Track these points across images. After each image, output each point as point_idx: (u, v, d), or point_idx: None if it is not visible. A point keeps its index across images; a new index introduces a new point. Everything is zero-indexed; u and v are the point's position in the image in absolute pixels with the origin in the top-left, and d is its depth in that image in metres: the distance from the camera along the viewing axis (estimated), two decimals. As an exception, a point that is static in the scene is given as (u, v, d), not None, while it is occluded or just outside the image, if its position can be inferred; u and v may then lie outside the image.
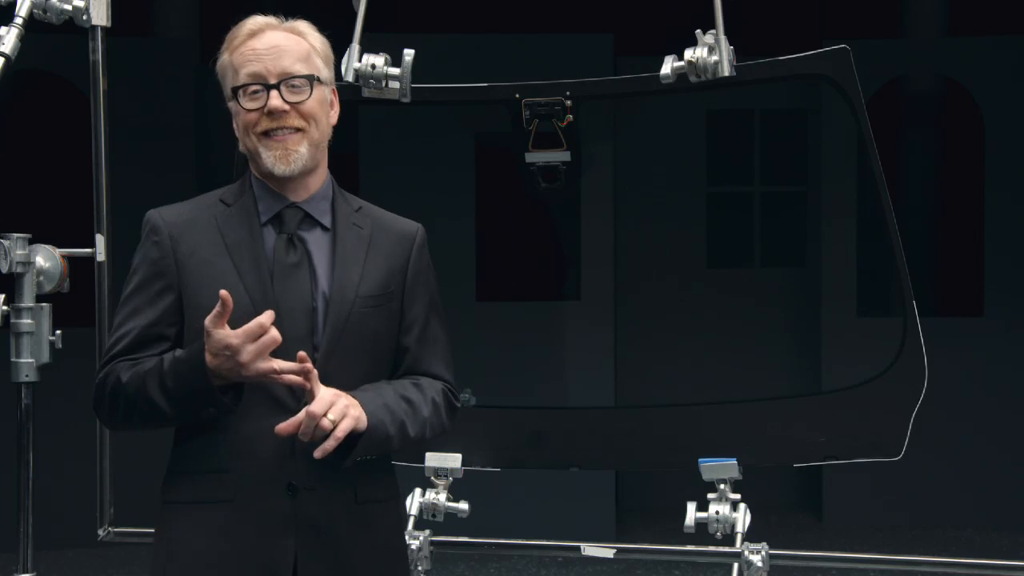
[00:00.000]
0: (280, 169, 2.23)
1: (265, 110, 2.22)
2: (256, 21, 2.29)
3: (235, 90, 2.25)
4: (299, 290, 2.23)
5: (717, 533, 3.23)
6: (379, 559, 2.29)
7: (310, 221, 2.29)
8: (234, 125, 2.30)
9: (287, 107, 2.23)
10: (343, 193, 2.37)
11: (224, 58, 2.29)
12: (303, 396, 2.16)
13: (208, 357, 2.08)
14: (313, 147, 2.27)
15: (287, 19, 2.32)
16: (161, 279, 2.25)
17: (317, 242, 2.28)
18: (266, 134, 2.23)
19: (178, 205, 2.34)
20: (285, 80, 2.23)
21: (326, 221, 2.30)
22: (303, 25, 2.32)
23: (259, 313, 2.16)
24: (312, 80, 2.26)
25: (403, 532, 2.43)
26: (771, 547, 3.21)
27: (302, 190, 2.29)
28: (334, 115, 2.34)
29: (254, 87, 2.23)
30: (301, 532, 2.20)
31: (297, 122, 2.24)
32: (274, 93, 2.23)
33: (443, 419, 2.35)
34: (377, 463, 2.30)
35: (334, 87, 2.35)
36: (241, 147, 2.30)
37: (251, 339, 2.06)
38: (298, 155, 2.24)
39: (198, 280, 2.22)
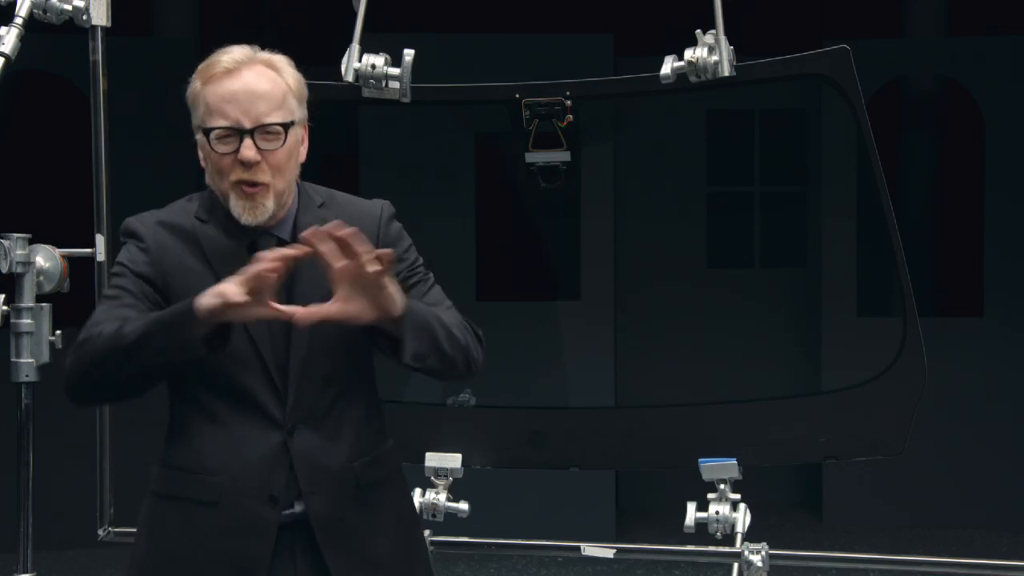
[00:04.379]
0: (247, 220, 2.21)
1: (238, 158, 2.19)
2: (233, 57, 2.23)
3: (205, 132, 2.21)
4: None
5: (717, 533, 3.23)
6: (398, 535, 2.32)
7: (284, 245, 2.23)
8: (200, 155, 2.27)
9: (258, 158, 2.19)
10: (306, 191, 2.33)
11: (196, 87, 2.25)
12: (289, 406, 2.20)
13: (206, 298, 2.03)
14: (278, 197, 2.23)
15: (264, 49, 2.27)
16: (147, 282, 2.23)
17: None
18: (237, 182, 2.20)
19: (153, 213, 2.32)
20: (259, 128, 2.19)
21: (292, 238, 2.26)
22: (279, 60, 2.26)
23: (245, 326, 2.17)
24: (287, 128, 2.22)
25: (411, 499, 2.46)
26: (771, 547, 3.21)
27: (271, 220, 2.26)
28: (303, 152, 2.30)
29: (225, 131, 2.19)
30: (319, 532, 2.21)
31: (264, 177, 2.20)
32: (247, 142, 2.18)
33: (474, 336, 2.33)
34: (373, 440, 2.31)
35: (306, 124, 2.31)
36: (209, 181, 2.26)
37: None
38: (264, 209, 2.21)
39: (185, 291, 2.20)
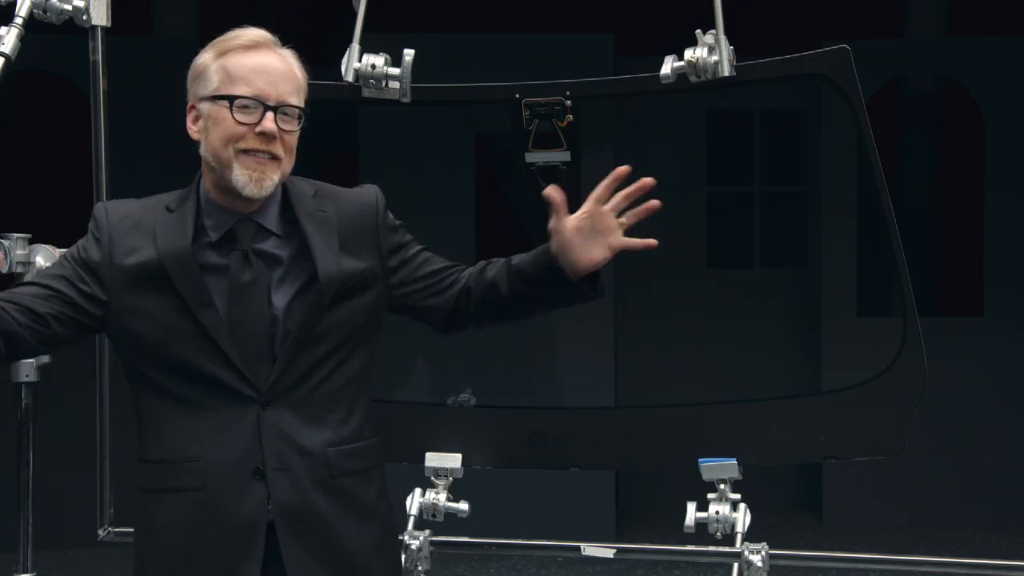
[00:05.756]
0: (250, 191, 2.20)
1: (257, 129, 2.19)
2: (258, 33, 2.26)
3: (228, 98, 2.20)
4: (255, 307, 2.21)
5: (717, 533, 3.23)
6: (364, 531, 2.28)
7: (264, 232, 2.26)
8: (195, 126, 2.26)
9: (276, 132, 2.19)
10: (294, 183, 2.32)
11: (206, 59, 2.25)
12: (262, 387, 2.19)
13: None
14: (282, 178, 2.24)
15: (280, 44, 2.28)
16: (87, 270, 2.24)
17: (274, 251, 2.25)
18: (246, 152, 2.19)
19: (127, 202, 2.33)
20: (283, 106, 2.21)
21: (277, 228, 2.26)
22: (293, 56, 2.28)
23: (191, 311, 2.18)
24: (302, 115, 2.25)
25: (387, 499, 2.39)
26: (771, 547, 3.21)
27: (255, 202, 2.25)
28: None
29: (250, 102, 2.19)
30: (277, 514, 2.19)
31: (279, 151, 2.21)
32: (270, 115, 2.19)
33: None
34: (356, 431, 2.29)
35: None
36: (205, 152, 2.24)
37: None
38: (271, 183, 2.21)
39: (132, 284, 2.21)
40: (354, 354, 2.30)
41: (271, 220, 2.27)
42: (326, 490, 2.23)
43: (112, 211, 2.30)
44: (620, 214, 2.35)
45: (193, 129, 2.27)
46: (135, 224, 2.26)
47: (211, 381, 2.19)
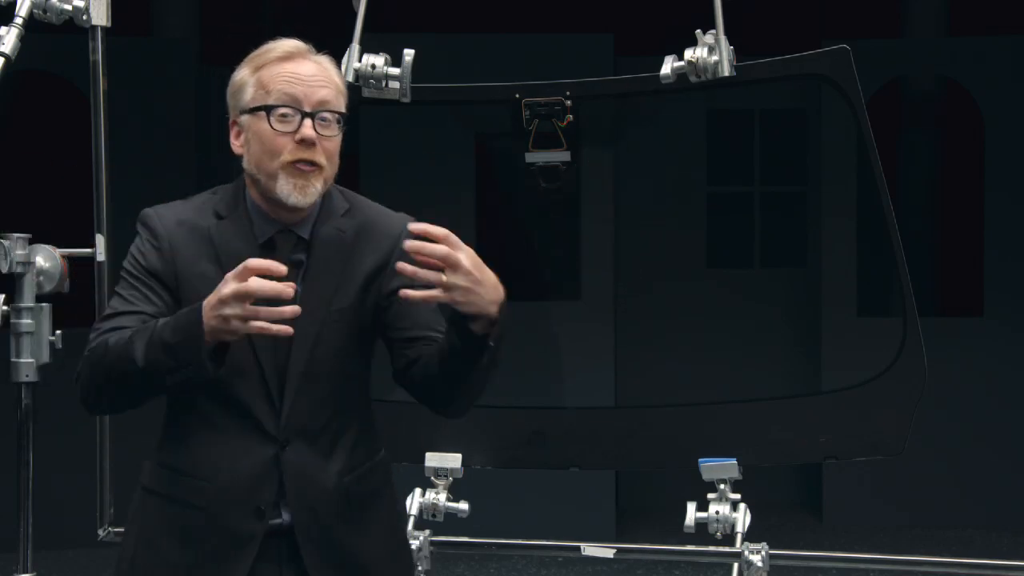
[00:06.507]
0: (295, 199, 2.20)
1: (297, 137, 2.19)
2: (292, 44, 2.26)
3: (266, 109, 2.20)
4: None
5: (717, 533, 3.23)
6: (379, 543, 2.32)
7: (302, 243, 2.27)
8: (238, 141, 2.26)
9: (316, 139, 2.19)
10: (332, 197, 2.31)
11: (244, 73, 2.26)
12: (283, 421, 2.20)
13: (207, 311, 2.02)
14: (325, 185, 2.25)
15: (316, 51, 2.29)
16: (157, 281, 2.24)
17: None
18: (290, 163, 2.19)
19: (175, 206, 2.31)
20: (320, 111, 2.21)
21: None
22: (330, 62, 2.29)
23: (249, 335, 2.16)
24: (343, 120, 2.25)
25: (395, 506, 2.43)
26: (771, 547, 3.21)
27: (297, 214, 2.26)
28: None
29: (287, 110, 2.20)
30: (303, 542, 2.22)
31: (320, 159, 2.21)
32: (307, 122, 2.20)
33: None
34: (366, 453, 2.32)
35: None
36: (249, 165, 2.25)
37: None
38: (314, 191, 2.22)
39: (195, 295, 2.19)
40: (357, 376, 2.31)
41: (308, 232, 2.28)
42: (345, 514, 2.26)
43: (164, 216, 2.29)
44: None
45: (236, 144, 2.27)
46: (191, 230, 2.26)
47: (240, 407, 2.21)
